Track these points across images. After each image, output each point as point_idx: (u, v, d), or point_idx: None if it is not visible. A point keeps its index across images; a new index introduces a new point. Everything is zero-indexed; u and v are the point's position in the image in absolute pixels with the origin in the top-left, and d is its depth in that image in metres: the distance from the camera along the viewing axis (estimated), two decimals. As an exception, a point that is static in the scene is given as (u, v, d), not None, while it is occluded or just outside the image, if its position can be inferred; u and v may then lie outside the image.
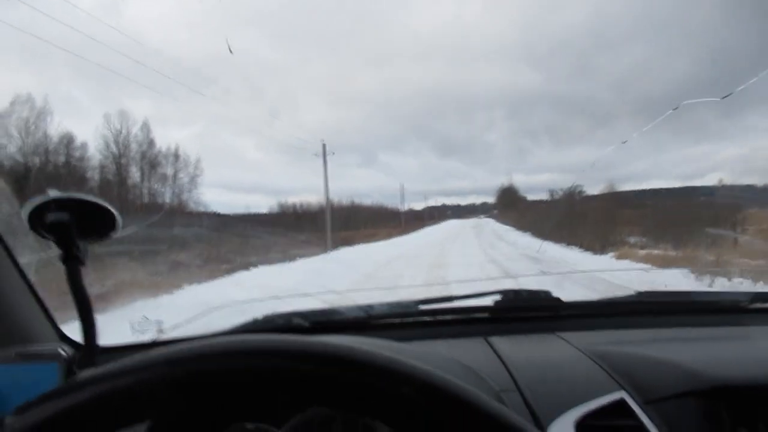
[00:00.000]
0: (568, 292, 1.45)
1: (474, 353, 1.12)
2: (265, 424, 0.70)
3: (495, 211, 58.18)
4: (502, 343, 1.18)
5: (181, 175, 24.86)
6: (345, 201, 38.57)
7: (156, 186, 24.42)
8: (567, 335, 1.21)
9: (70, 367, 0.85)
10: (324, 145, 22.95)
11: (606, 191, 20.65)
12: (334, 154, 22.97)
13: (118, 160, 22.59)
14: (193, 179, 25.05)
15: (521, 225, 30.06)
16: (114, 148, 22.48)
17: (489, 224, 42.84)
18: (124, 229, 0.95)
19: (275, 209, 32.70)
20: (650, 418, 0.82)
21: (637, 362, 0.99)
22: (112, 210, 0.91)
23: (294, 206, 33.74)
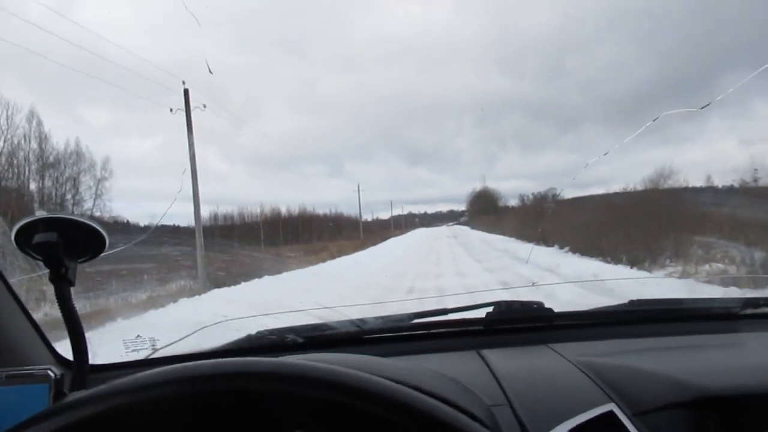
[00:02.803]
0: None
1: (466, 367, 1.12)
2: None
3: (463, 218, 56.62)
4: (494, 355, 1.18)
5: (85, 177, 20.64)
6: (295, 210, 34.97)
7: (48, 189, 20.25)
8: (559, 346, 1.21)
9: (60, 388, 0.85)
10: (186, 90, 13.99)
11: (647, 187, 15.59)
12: (205, 107, 13.73)
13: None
14: (100, 182, 20.65)
15: (505, 231, 26.66)
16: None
17: (465, 232, 38.91)
18: (111, 248, 0.96)
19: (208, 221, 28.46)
20: (639, 430, 0.83)
21: (627, 373, 1.00)
22: (100, 230, 0.91)
23: (227, 216, 30.09)
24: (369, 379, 0.53)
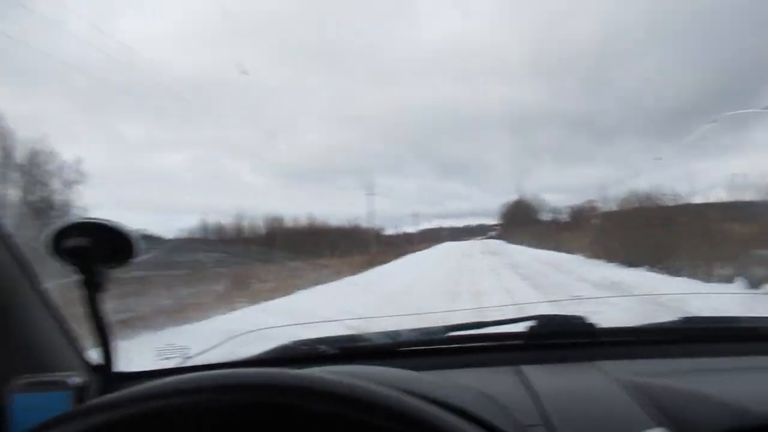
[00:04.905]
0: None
1: (503, 383, 1.07)
2: None
3: (492, 232, 55.14)
4: (534, 372, 1.12)
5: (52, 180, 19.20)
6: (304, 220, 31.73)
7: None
8: (604, 364, 1.15)
9: (82, 395, 0.84)
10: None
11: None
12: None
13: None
14: (69, 186, 16.01)
15: (562, 246, 22.49)
16: None
17: (505, 248, 31.37)
18: (144, 255, 0.95)
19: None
20: None
21: (679, 396, 0.93)
22: (133, 235, 0.90)
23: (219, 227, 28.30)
24: (375, 389, 0.52)
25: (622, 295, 7.82)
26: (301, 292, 11.64)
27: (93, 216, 0.91)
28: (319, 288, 12.51)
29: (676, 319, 1.35)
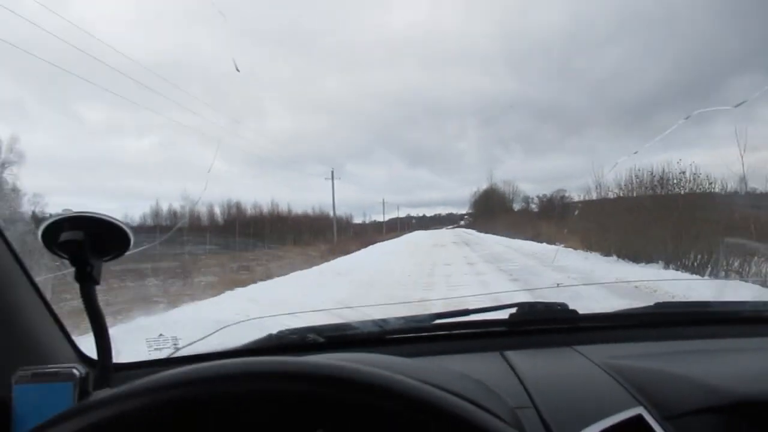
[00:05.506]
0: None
1: (489, 368, 1.11)
2: None
3: (463, 221, 55.12)
4: (518, 357, 1.16)
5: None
6: (266, 209, 30.45)
7: None
8: (584, 349, 1.19)
9: (84, 387, 0.86)
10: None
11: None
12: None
13: None
14: (3, 167, 14.89)
15: (529, 235, 21.66)
16: None
17: (476, 236, 31.00)
18: (136, 247, 0.96)
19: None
20: None
21: (655, 377, 0.98)
22: (125, 228, 0.91)
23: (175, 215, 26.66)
24: (395, 378, 0.53)
25: (594, 283, 7.86)
26: (240, 290, 9.67)
27: (85, 210, 0.92)
28: (258, 287, 10.16)
29: (651, 304, 1.40)
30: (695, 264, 11.21)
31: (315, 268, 14.57)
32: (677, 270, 11.07)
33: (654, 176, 14.17)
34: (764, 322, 1.33)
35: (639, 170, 14.52)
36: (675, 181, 13.57)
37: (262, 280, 11.52)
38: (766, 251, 9.46)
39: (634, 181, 14.95)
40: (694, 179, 12.98)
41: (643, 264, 12.17)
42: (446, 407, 0.51)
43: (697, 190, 12.94)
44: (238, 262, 17.07)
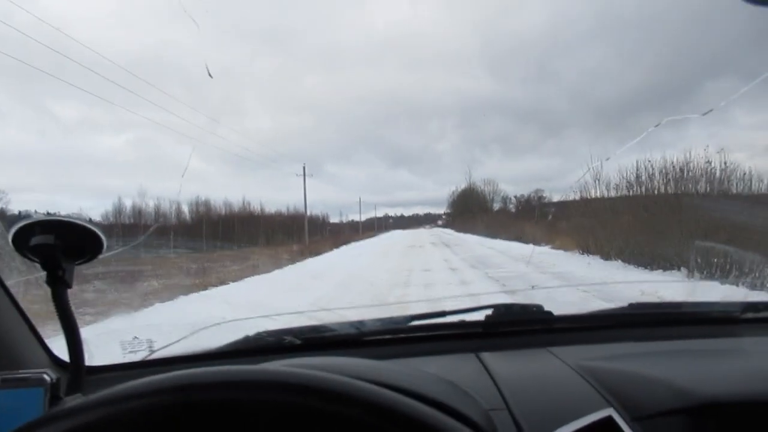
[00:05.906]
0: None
1: (465, 370, 1.12)
2: None
3: (441, 221, 55.38)
4: (493, 359, 1.17)
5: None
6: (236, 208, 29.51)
7: None
8: (558, 350, 1.21)
9: (55, 392, 0.84)
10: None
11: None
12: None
13: None
14: None
15: (509, 235, 21.12)
16: None
17: (455, 236, 30.36)
18: (108, 251, 0.95)
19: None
20: None
21: (626, 378, 0.99)
22: (98, 232, 0.91)
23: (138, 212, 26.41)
24: (351, 383, 0.53)
25: (570, 285, 7.89)
26: (183, 297, 8.81)
27: (56, 215, 0.91)
28: (207, 294, 9.34)
29: (624, 305, 1.43)
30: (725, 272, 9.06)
31: (282, 270, 13.59)
32: (706, 279, 9.05)
33: (675, 166, 12.06)
34: (734, 323, 1.36)
35: (648, 161, 12.65)
36: (699, 174, 11.28)
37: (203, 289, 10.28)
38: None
39: (644, 175, 12.98)
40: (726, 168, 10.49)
41: (660, 271, 10.56)
42: (406, 412, 0.52)
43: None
44: (197, 263, 16.26)
